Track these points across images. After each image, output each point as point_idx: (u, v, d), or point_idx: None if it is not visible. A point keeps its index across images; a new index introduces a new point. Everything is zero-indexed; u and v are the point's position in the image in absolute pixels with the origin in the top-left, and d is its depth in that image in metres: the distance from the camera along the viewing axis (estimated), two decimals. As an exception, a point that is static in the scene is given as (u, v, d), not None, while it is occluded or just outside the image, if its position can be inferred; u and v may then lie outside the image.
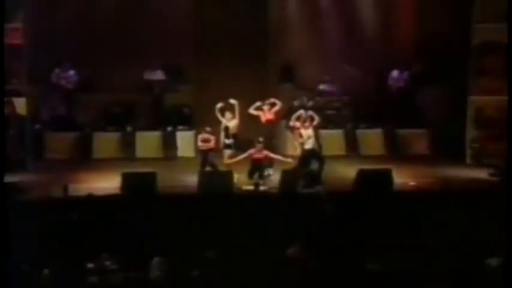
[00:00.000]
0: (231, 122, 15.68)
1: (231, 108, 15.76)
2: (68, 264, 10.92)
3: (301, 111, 16.17)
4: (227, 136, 15.63)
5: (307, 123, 15.53)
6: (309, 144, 15.37)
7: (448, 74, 18.40)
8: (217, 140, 15.73)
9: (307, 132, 15.44)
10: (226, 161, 15.58)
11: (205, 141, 15.70)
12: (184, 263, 11.22)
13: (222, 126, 15.67)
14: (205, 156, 15.68)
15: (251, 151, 15.28)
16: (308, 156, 15.36)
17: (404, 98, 19.30)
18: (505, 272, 10.43)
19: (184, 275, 10.99)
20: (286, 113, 17.79)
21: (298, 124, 15.69)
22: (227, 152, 15.61)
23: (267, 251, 11.45)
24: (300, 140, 15.46)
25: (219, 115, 15.66)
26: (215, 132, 15.78)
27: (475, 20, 17.60)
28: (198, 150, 16.44)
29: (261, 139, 15.36)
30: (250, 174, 15.19)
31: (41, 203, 13.55)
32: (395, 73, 19.53)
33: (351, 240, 12.13)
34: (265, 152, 15.30)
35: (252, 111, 16.17)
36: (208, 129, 15.79)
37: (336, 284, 10.79)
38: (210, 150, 15.66)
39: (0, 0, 15.30)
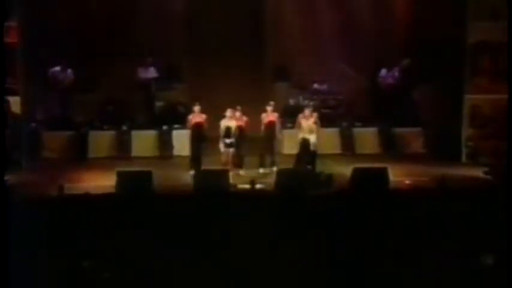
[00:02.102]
0: (231, 121, 15.72)
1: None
2: (64, 263, 10.91)
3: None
4: (228, 136, 15.66)
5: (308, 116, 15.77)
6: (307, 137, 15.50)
7: (444, 72, 18.41)
8: (208, 118, 15.91)
9: (310, 124, 15.55)
10: (224, 158, 15.62)
11: (197, 116, 15.66)
12: (179, 262, 11.22)
13: (222, 127, 15.71)
14: (197, 133, 15.75)
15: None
16: (303, 151, 15.44)
17: (396, 96, 19.34)
18: (502, 271, 10.44)
19: (180, 274, 10.99)
20: (281, 112, 17.80)
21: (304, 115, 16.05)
22: (230, 151, 15.65)
23: (264, 250, 11.45)
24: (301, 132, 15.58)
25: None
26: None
27: (470, 18, 17.62)
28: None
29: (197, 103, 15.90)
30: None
31: (36, 202, 13.51)
32: (383, 71, 19.57)
33: (347, 238, 12.13)
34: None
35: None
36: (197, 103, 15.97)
37: (332, 283, 10.80)
38: (200, 125, 15.58)
39: (0, 1, 15.30)
